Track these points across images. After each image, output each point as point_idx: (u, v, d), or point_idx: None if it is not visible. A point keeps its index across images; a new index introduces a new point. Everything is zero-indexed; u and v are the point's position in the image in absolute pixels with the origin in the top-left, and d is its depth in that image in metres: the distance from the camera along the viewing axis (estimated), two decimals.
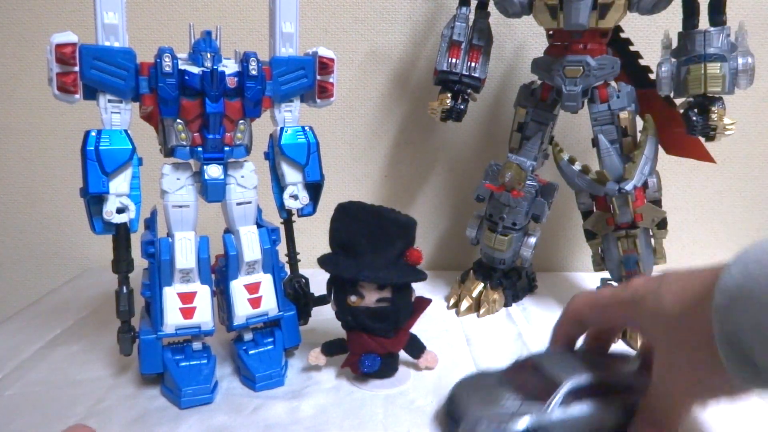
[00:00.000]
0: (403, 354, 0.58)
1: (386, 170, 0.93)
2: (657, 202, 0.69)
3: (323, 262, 0.55)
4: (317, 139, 0.59)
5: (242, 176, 0.56)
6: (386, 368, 0.57)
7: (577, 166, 0.69)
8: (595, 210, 0.72)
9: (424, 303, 0.58)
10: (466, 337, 0.68)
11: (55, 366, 0.60)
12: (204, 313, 0.55)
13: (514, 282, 0.79)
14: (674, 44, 0.64)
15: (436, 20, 0.87)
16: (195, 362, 0.55)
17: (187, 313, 0.54)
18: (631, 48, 0.70)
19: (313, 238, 0.69)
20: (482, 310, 0.75)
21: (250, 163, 0.57)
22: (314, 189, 0.60)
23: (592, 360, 0.47)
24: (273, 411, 0.52)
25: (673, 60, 0.63)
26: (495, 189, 0.71)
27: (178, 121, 0.52)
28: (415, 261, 0.55)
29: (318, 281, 0.60)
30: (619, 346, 0.66)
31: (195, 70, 0.51)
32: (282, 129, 0.58)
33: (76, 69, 0.48)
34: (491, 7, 0.72)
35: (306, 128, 0.59)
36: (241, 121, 0.54)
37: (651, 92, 0.66)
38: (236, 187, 0.56)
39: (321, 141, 0.60)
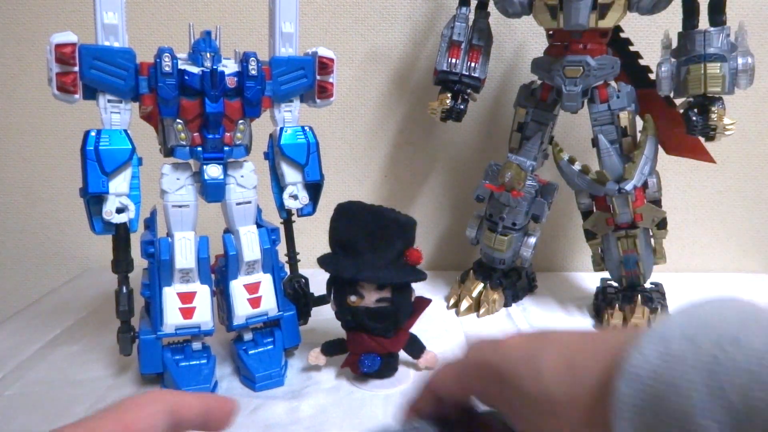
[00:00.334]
0: (403, 354, 0.58)
1: (386, 170, 0.93)
2: (657, 202, 0.69)
3: (323, 262, 0.55)
4: (317, 139, 0.59)
5: (242, 176, 0.56)
6: (386, 368, 0.57)
7: (577, 166, 0.69)
8: (595, 210, 0.72)
9: (424, 303, 0.58)
10: (466, 338, 0.68)
11: (55, 366, 0.60)
12: (204, 313, 0.55)
13: (514, 282, 0.79)
14: (674, 44, 0.64)
15: (436, 20, 0.87)
16: (195, 362, 0.55)
17: (187, 313, 0.54)
18: (631, 48, 0.70)
19: (313, 238, 0.69)
20: (482, 310, 0.75)
21: (250, 163, 0.57)
22: (314, 189, 0.60)
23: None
24: (273, 411, 0.52)
25: (673, 60, 0.63)
26: (495, 189, 0.71)
27: (178, 121, 0.52)
28: (415, 261, 0.55)
29: (318, 281, 0.60)
30: None
31: (195, 70, 0.51)
32: (282, 129, 0.58)
33: (76, 69, 0.48)
34: (491, 7, 0.72)
35: (306, 128, 0.59)
36: (240, 121, 0.54)
37: (651, 92, 0.66)
38: (236, 187, 0.56)
39: (321, 141, 0.60)
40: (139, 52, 0.51)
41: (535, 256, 0.76)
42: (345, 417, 0.51)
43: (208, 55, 0.51)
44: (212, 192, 0.54)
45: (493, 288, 0.76)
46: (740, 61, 0.59)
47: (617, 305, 0.70)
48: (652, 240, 0.71)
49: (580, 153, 0.75)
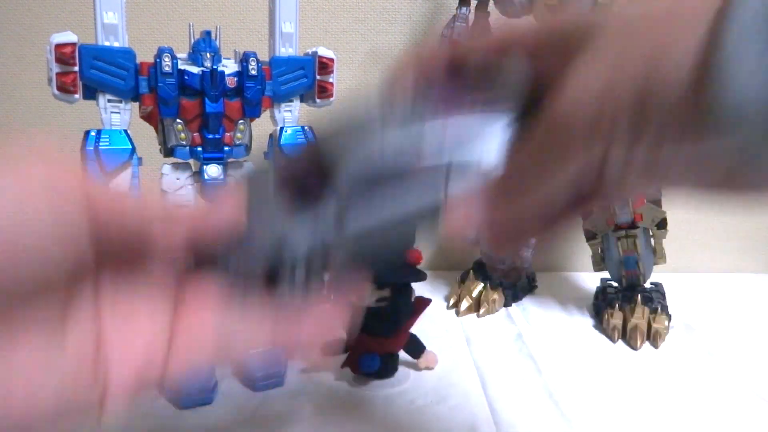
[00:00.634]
0: (403, 354, 0.58)
1: None
2: (657, 202, 0.69)
3: None
4: None
5: (242, 176, 0.56)
6: (386, 368, 0.56)
7: None
8: (594, 210, 0.72)
9: (424, 303, 0.58)
10: (466, 337, 0.68)
11: None
12: None
13: (514, 282, 0.79)
14: None
15: (436, 20, 0.87)
16: None
17: None
18: None
19: None
20: (482, 310, 0.75)
21: (250, 163, 0.57)
22: None
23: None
24: (273, 411, 0.52)
25: None
26: None
27: (178, 120, 0.52)
28: (415, 261, 0.55)
29: None
30: (619, 347, 0.66)
31: (195, 70, 0.51)
32: (282, 129, 0.58)
33: (76, 69, 0.48)
34: (491, 7, 0.72)
35: (306, 128, 0.59)
36: (240, 121, 0.54)
37: None
38: None
39: None
40: (139, 52, 0.51)
41: (535, 256, 0.76)
42: (345, 417, 0.51)
43: (208, 55, 0.51)
44: (212, 192, 0.54)
45: (493, 288, 0.76)
46: None
47: (617, 305, 0.70)
48: (652, 240, 0.71)
49: None
